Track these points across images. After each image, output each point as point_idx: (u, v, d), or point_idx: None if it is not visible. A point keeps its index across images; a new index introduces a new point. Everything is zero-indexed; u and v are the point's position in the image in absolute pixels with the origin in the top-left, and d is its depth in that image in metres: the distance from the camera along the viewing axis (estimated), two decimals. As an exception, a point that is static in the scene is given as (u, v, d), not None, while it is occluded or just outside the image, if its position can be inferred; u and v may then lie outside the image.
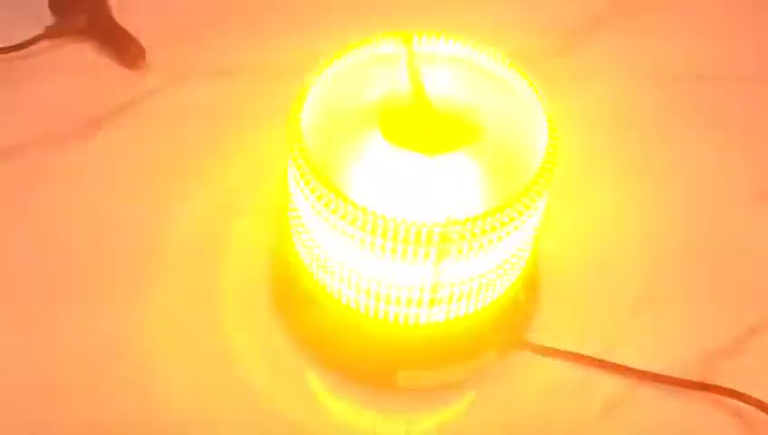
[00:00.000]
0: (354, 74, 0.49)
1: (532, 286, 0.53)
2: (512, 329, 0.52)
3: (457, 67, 0.49)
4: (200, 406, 0.51)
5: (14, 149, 0.59)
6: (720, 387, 0.51)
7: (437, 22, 0.51)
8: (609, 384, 0.52)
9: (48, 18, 0.64)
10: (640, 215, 0.59)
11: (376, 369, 0.51)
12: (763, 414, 0.50)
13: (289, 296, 0.53)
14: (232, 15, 0.66)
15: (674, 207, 0.59)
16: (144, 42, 0.63)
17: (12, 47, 0.62)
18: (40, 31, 0.63)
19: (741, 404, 0.51)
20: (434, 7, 0.65)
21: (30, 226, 0.56)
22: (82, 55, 0.63)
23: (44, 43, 0.63)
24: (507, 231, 0.45)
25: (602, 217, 0.58)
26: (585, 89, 0.64)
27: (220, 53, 0.64)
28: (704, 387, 0.52)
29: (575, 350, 0.53)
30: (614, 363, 0.52)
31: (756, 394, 0.50)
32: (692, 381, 0.52)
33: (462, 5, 0.66)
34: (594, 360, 0.52)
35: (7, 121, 0.60)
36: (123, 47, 0.63)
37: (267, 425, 0.51)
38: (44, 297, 0.54)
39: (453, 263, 0.45)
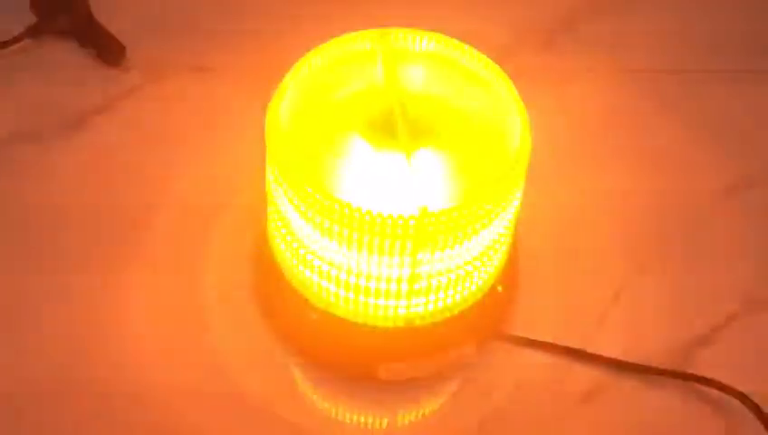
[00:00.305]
0: (332, 71, 0.49)
1: (510, 279, 0.54)
2: (490, 320, 0.53)
3: (433, 64, 0.50)
4: (184, 402, 0.52)
5: (1, 143, 0.60)
6: (695, 375, 0.53)
7: (416, 20, 0.52)
8: (586, 374, 0.53)
9: (30, 17, 0.64)
10: (617, 209, 0.60)
11: (357, 361, 0.52)
12: (737, 401, 0.51)
13: (270, 290, 0.54)
14: (211, 14, 0.67)
15: (649, 201, 0.60)
16: (124, 40, 0.64)
17: (-5, 46, 0.63)
18: (22, 30, 0.64)
19: (716, 392, 0.52)
20: (412, 5, 0.65)
21: (9, 220, 0.57)
22: (64, 54, 0.64)
23: (27, 42, 0.64)
24: (482, 223, 0.46)
25: (580, 211, 0.59)
26: (563, 86, 0.65)
27: (199, 50, 0.65)
28: (679, 375, 0.53)
29: (553, 341, 0.54)
30: (591, 353, 0.53)
31: (730, 382, 0.52)
32: (667, 370, 0.53)
33: (441, 3, 0.67)
34: (572, 350, 0.54)
35: (-7, 118, 0.62)
36: (104, 46, 0.64)
37: (249, 416, 0.51)
38: (21, 287, 0.54)
39: (430, 255, 0.46)
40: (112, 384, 0.52)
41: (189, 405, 0.52)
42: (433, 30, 0.50)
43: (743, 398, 0.51)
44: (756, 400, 0.51)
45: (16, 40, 0.64)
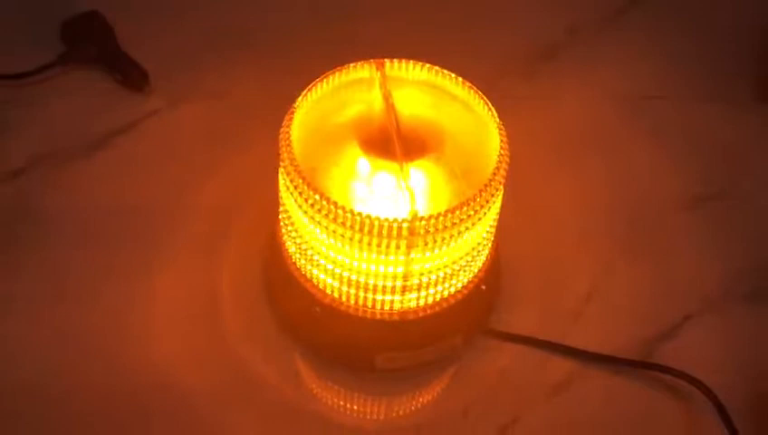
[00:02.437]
0: (336, 96, 0.54)
1: (494, 278, 0.58)
2: (476, 315, 0.57)
3: (424, 90, 0.55)
4: (195, 385, 0.55)
5: (29, 163, 0.64)
6: (659, 365, 0.57)
7: (410, 51, 0.56)
8: (562, 365, 0.57)
9: (60, 47, 0.69)
10: (591, 217, 0.64)
11: (356, 351, 0.56)
12: (692, 387, 0.56)
13: (279, 285, 0.57)
14: (227, 44, 0.71)
15: (621, 210, 0.65)
16: (147, 67, 0.68)
17: (28, 73, 0.68)
18: (53, 58, 0.68)
19: (678, 382, 0.56)
20: (408, 39, 0.70)
21: (41, 234, 0.61)
22: (91, 80, 0.68)
23: (57, 70, 0.68)
24: (467, 227, 0.51)
25: (557, 218, 0.64)
26: (543, 107, 0.70)
27: (216, 77, 0.69)
28: (646, 366, 0.57)
29: (532, 335, 0.58)
30: (567, 346, 0.58)
31: (690, 371, 0.56)
32: (635, 361, 0.57)
33: (433, 35, 0.72)
34: (549, 343, 0.58)
35: (23, 139, 0.66)
36: (128, 72, 0.68)
37: (255, 400, 0.55)
38: (54, 293, 0.58)
39: (421, 255, 0.51)
40: (134, 372, 0.55)
41: (201, 388, 0.55)
42: (425, 60, 0.55)
43: (701, 386, 0.55)
44: (713, 388, 0.55)
45: (48, 67, 0.68)
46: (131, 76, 0.68)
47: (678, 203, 0.66)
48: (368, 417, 0.57)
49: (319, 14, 0.74)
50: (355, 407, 0.57)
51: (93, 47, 0.69)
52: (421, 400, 0.58)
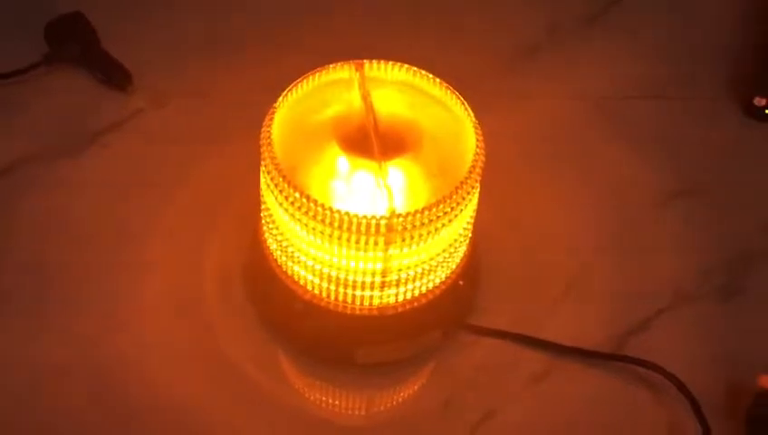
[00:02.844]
0: (316, 95, 0.55)
1: (472, 274, 0.59)
2: (454, 311, 0.58)
3: (402, 89, 0.56)
4: (176, 381, 0.56)
5: (14, 163, 0.65)
6: (632, 358, 0.58)
7: (389, 51, 0.57)
8: (537, 358, 0.58)
9: (44, 47, 0.69)
10: (567, 214, 0.66)
11: (337, 346, 0.56)
12: (664, 379, 0.57)
13: (260, 282, 0.58)
14: (209, 45, 0.72)
15: (596, 207, 0.66)
16: (130, 67, 0.69)
17: (12, 73, 0.68)
18: (37, 58, 0.69)
19: (649, 372, 0.58)
20: (386, 38, 0.71)
21: (31, 228, 0.62)
22: (75, 80, 0.69)
23: (41, 69, 0.69)
24: (443, 223, 0.52)
25: (534, 217, 0.65)
26: (523, 106, 0.71)
27: (199, 77, 0.70)
28: (618, 358, 0.58)
29: (510, 329, 0.59)
30: (542, 340, 0.59)
31: (661, 363, 0.57)
32: (609, 354, 0.58)
33: (413, 33, 0.73)
34: (525, 337, 0.59)
35: (7, 139, 0.66)
36: (111, 72, 0.69)
37: (239, 395, 0.56)
38: (38, 290, 0.59)
39: (399, 251, 0.52)
40: (116, 369, 0.56)
41: (185, 383, 0.56)
42: (403, 61, 0.56)
43: (673, 379, 0.57)
44: (685, 380, 0.56)
45: (32, 67, 0.68)
46: (115, 76, 0.69)
47: (653, 200, 0.67)
48: (349, 411, 0.58)
49: (299, 15, 0.74)
50: (336, 401, 0.58)
51: (77, 47, 0.70)
52: (402, 394, 0.59)
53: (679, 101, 0.72)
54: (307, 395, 0.58)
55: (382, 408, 0.58)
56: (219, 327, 0.59)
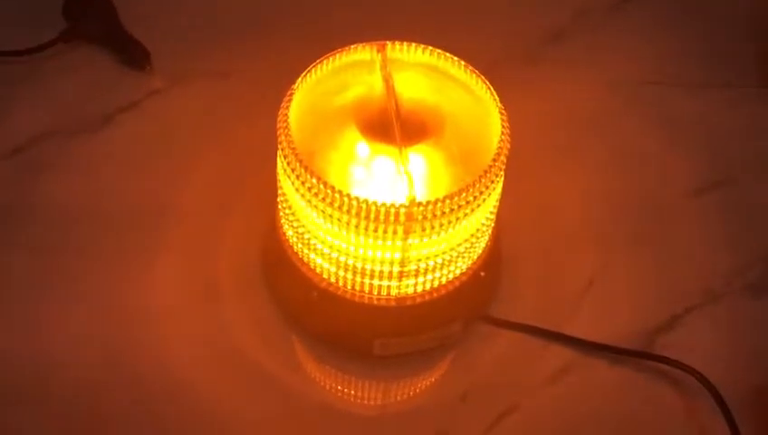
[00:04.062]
0: (336, 77, 0.54)
1: (494, 265, 0.58)
2: (474, 302, 0.57)
3: (425, 72, 0.54)
4: (192, 369, 0.56)
5: (29, 141, 0.64)
6: (659, 356, 0.57)
7: (412, 33, 0.56)
8: (560, 354, 0.57)
9: (62, 24, 0.69)
10: (593, 205, 0.64)
11: (353, 337, 0.56)
12: (694, 380, 0.56)
13: (277, 269, 0.57)
14: (229, 24, 0.71)
15: (623, 199, 0.64)
16: (149, 46, 0.68)
17: (30, 49, 0.68)
18: (55, 35, 0.68)
19: (676, 371, 0.56)
20: (410, 20, 0.70)
21: (46, 207, 0.61)
22: (93, 57, 0.68)
23: (59, 47, 0.68)
24: (465, 213, 0.50)
25: (560, 206, 0.64)
26: (548, 93, 0.69)
27: (217, 57, 0.69)
28: (645, 356, 0.57)
29: (532, 322, 0.58)
30: (565, 335, 0.57)
31: (689, 363, 0.56)
32: (634, 351, 0.57)
33: (437, 17, 0.72)
34: (548, 332, 0.57)
35: (26, 115, 0.66)
36: (130, 51, 0.68)
37: (252, 383, 0.55)
38: (62, 265, 0.58)
39: (419, 240, 0.51)
40: (131, 356, 0.56)
41: (197, 368, 0.55)
42: (426, 43, 0.55)
43: (701, 378, 0.55)
44: (713, 380, 0.55)
45: (50, 44, 0.68)
46: (133, 55, 0.68)
47: (683, 191, 0.65)
48: (366, 402, 0.57)
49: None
50: (353, 392, 0.57)
51: (95, 24, 0.69)
52: (419, 385, 0.58)
53: (714, 88, 0.70)
54: (322, 384, 0.57)
55: (398, 399, 0.57)
56: (234, 313, 0.58)
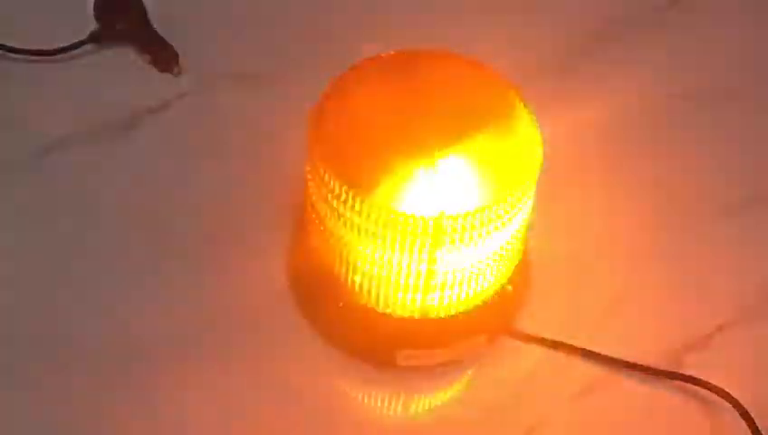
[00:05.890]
0: (366, 84, 0.53)
1: (521, 279, 0.57)
2: (501, 316, 0.57)
3: (458, 82, 0.53)
4: (220, 379, 0.55)
5: (55, 143, 0.64)
6: (689, 376, 0.55)
7: (446, 40, 0.55)
8: (586, 371, 0.56)
9: (92, 24, 0.68)
10: (622, 220, 0.63)
11: (376, 347, 0.55)
12: (725, 402, 0.54)
13: (303, 281, 0.57)
14: (259, 26, 0.70)
15: (655, 213, 0.63)
16: (178, 48, 0.68)
17: (59, 50, 0.67)
18: (84, 36, 0.68)
19: (707, 392, 0.55)
20: (443, 27, 0.69)
21: (75, 209, 0.61)
22: (122, 59, 0.68)
23: (88, 47, 0.68)
24: (495, 227, 0.50)
25: (589, 221, 0.63)
26: (581, 103, 0.68)
27: (247, 60, 0.68)
28: (675, 376, 0.56)
29: (559, 338, 0.57)
30: (592, 352, 0.56)
31: (720, 384, 0.55)
32: (662, 370, 0.56)
33: (471, 26, 0.71)
34: (574, 348, 0.57)
35: (55, 117, 0.65)
36: (159, 53, 0.68)
37: (273, 390, 0.55)
38: (93, 267, 0.58)
39: (446, 253, 0.50)
40: (152, 346, 0.55)
41: (225, 381, 0.55)
42: (461, 51, 0.54)
43: (731, 400, 0.54)
44: (744, 403, 0.54)
45: (79, 44, 0.67)
46: (161, 56, 0.68)
47: (716, 206, 0.64)
48: (387, 412, 0.57)
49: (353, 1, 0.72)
50: (375, 402, 0.57)
51: (125, 25, 0.68)
52: (441, 398, 0.57)
53: (750, 101, 0.69)
54: (345, 394, 0.57)
55: (420, 411, 0.57)
56: (259, 322, 0.57)
